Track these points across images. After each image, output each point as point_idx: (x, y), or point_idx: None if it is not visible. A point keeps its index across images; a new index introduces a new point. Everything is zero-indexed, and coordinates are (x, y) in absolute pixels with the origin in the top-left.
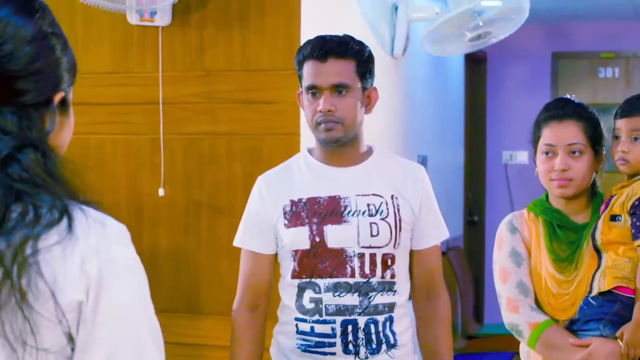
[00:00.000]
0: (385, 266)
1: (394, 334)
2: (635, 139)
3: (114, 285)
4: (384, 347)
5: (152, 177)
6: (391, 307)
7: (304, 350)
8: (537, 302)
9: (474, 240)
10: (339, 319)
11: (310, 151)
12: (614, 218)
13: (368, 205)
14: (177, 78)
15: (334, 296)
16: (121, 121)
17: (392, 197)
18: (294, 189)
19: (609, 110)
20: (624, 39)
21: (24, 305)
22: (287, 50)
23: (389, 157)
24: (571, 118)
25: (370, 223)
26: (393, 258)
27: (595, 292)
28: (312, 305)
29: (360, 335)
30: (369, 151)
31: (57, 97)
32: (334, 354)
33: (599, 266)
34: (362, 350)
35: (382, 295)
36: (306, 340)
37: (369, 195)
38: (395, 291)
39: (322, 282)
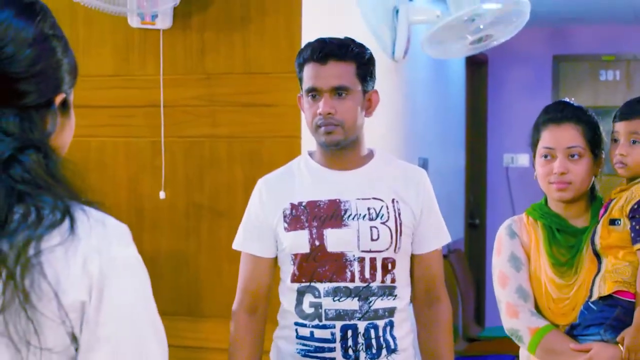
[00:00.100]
0: (385, 270)
1: (394, 338)
2: (634, 142)
3: (115, 285)
4: (384, 352)
5: (153, 179)
6: (391, 311)
7: (304, 355)
8: (537, 307)
9: (475, 243)
10: (338, 324)
11: (311, 154)
12: (613, 222)
13: (368, 209)
14: (178, 81)
15: (334, 301)
16: (122, 124)
17: (393, 201)
18: (295, 192)
19: (610, 113)
20: (624, 41)
21: (28, 306)
22: (288, 53)
23: (390, 160)
24: (570, 121)
25: (371, 227)
26: (393, 262)
27: (595, 296)
28: (311, 310)
29: (360, 340)
30: (370, 154)
31: (58, 99)
32: (333, 359)
33: (599, 270)
34: (362, 355)
35: (382, 299)
36: (306, 345)
37: (369, 199)
38: (395, 296)
39: (322, 287)
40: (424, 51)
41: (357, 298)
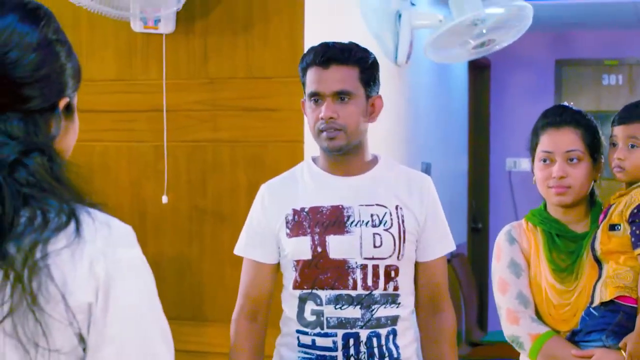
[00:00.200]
0: (388, 278)
1: (397, 347)
2: (632, 146)
3: (120, 287)
4: None
5: (156, 184)
6: (394, 320)
7: None
8: (537, 313)
9: (477, 247)
10: (340, 332)
11: (314, 160)
12: (613, 227)
13: (372, 215)
14: (180, 85)
15: (336, 309)
16: (125, 128)
17: (396, 207)
18: (297, 198)
19: (612, 117)
20: (627, 46)
21: (36, 308)
22: (291, 58)
23: (394, 166)
24: (569, 125)
25: (374, 234)
26: (397, 270)
27: (597, 302)
28: (313, 318)
29: (362, 348)
30: (374, 160)
31: (62, 103)
32: None
33: (599, 276)
34: None
35: (385, 307)
36: (307, 353)
37: (372, 205)
38: (398, 304)
39: (324, 294)
40: (427, 56)
41: (359, 306)
